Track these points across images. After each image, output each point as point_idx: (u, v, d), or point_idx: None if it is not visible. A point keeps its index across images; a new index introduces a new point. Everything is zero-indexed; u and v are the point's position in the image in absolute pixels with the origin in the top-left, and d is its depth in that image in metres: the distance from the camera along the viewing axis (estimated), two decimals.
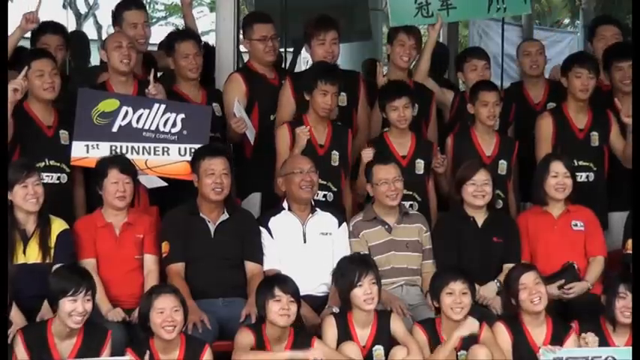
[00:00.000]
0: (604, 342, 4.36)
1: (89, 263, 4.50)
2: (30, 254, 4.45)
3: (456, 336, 4.21)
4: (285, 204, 4.87)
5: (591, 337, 4.30)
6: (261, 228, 4.84)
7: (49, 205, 4.52)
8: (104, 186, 4.59)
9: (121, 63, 5.02)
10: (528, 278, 4.35)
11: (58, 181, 4.87)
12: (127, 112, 4.93)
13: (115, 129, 4.92)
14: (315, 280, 4.69)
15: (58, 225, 4.54)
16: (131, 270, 4.62)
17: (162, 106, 4.98)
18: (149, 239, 4.68)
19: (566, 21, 18.42)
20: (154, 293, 4.13)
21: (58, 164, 4.89)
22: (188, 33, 5.55)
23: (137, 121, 4.94)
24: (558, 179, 4.91)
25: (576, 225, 4.97)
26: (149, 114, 4.95)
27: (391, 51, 5.63)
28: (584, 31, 13.46)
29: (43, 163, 4.79)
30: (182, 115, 4.99)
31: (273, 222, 4.84)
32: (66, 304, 3.95)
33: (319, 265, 4.73)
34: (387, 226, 4.88)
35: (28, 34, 5.48)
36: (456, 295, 4.27)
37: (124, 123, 4.93)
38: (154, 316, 4.03)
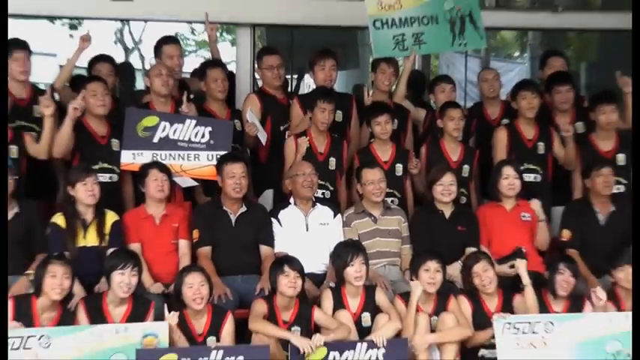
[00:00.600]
0: (545, 309, 4.39)
1: (135, 247, 4.52)
2: (89, 239, 4.47)
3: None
4: (291, 200, 4.89)
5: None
6: (272, 219, 4.84)
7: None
8: (146, 183, 4.61)
9: (162, 87, 5.03)
10: (478, 267, 4.39)
11: (110, 180, 4.85)
12: (165, 127, 4.93)
13: (155, 140, 4.91)
14: (315, 261, 4.69)
15: (111, 216, 4.56)
16: (168, 252, 4.63)
17: (193, 122, 4.97)
18: (183, 227, 4.69)
19: (516, 54, 18.40)
20: (185, 272, 4.16)
21: (110, 166, 4.89)
22: (217, 62, 5.54)
23: (173, 134, 4.93)
24: (509, 180, 4.92)
25: (524, 216, 4.96)
26: (183, 128, 4.95)
27: (375, 77, 5.63)
28: (531, 62, 13.45)
29: (98, 166, 4.78)
30: (209, 128, 4.97)
31: (282, 214, 4.86)
32: (116, 276, 4.01)
33: (319, 248, 4.73)
34: (373, 218, 4.89)
35: (85, 64, 5.48)
36: (431, 272, 4.30)
37: (162, 135, 4.92)
38: (185, 291, 4.05)
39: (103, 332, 3.95)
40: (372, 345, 4.06)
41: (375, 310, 4.32)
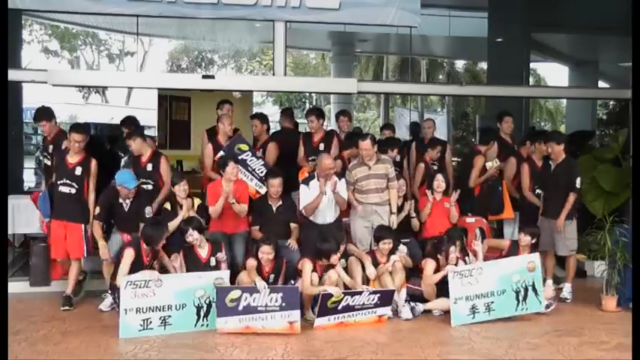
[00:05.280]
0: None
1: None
2: (184, 215, 4.26)
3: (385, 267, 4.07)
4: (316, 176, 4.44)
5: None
6: (303, 185, 4.41)
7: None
8: (225, 170, 4.33)
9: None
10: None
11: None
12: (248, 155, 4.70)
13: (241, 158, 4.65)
14: (329, 215, 4.36)
15: (197, 201, 4.40)
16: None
17: (254, 157, 4.72)
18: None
19: (439, 109, 19.15)
20: (260, 243, 3.96)
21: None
22: (259, 115, 5.32)
23: (250, 162, 4.68)
24: (438, 182, 4.67)
25: (446, 205, 4.63)
26: (251, 158, 4.72)
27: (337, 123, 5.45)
28: (447, 114, 13.45)
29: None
30: (261, 162, 4.73)
31: (311, 183, 4.42)
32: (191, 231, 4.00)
33: (330, 204, 4.38)
34: (368, 167, 4.38)
35: None
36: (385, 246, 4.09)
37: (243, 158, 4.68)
38: (260, 254, 3.91)
39: (191, 277, 3.82)
40: (373, 292, 3.88)
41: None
